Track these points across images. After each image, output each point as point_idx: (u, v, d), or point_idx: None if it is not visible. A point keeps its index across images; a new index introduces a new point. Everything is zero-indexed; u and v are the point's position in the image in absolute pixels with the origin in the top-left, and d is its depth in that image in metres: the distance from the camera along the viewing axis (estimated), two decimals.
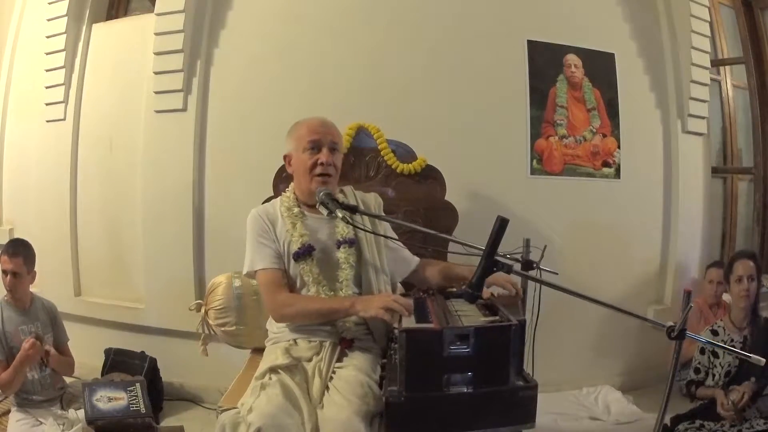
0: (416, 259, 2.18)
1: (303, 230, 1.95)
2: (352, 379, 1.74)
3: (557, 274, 1.81)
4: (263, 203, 2.20)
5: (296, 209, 2.00)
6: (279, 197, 2.09)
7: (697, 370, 2.71)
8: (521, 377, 1.60)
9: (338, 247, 1.98)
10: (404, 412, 1.53)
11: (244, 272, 2.01)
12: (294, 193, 2.05)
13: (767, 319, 2.73)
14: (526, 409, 1.57)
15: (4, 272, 2.57)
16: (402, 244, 2.16)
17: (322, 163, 1.94)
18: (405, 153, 2.66)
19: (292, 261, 1.94)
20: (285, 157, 2.05)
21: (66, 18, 3.48)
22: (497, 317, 1.68)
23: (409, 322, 1.65)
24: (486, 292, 1.85)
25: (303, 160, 1.96)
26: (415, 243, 2.25)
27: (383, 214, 2.18)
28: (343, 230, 1.99)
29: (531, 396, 1.57)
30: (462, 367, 1.53)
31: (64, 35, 3.50)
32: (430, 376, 1.53)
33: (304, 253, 1.93)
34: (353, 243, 1.99)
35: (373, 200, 2.20)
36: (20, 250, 2.62)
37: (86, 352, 3.05)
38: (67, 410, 2.55)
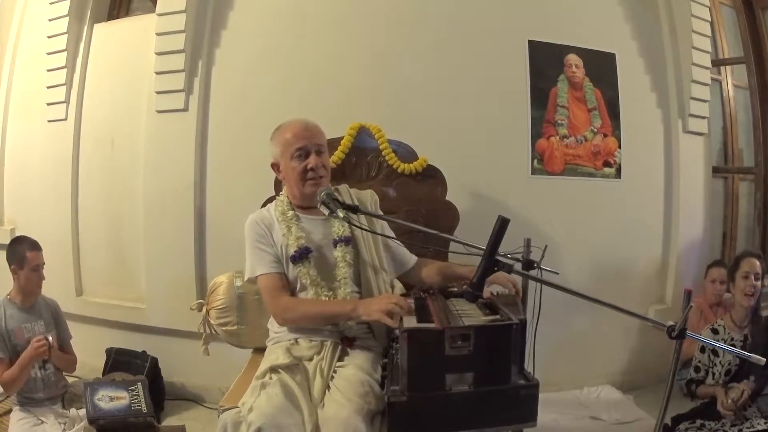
0: (414, 258, 2.18)
1: (298, 233, 1.96)
2: (352, 378, 1.75)
3: (558, 273, 1.82)
4: (262, 205, 2.21)
5: (290, 213, 2.00)
6: (273, 202, 2.09)
7: (697, 369, 2.72)
8: (523, 376, 1.61)
9: (335, 246, 1.99)
10: (406, 411, 1.54)
11: (246, 279, 2.02)
12: (287, 196, 2.05)
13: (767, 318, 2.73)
14: (527, 408, 1.58)
15: (37, 266, 2.61)
16: (400, 243, 2.16)
17: (312, 168, 1.95)
18: (406, 153, 2.67)
19: (290, 264, 1.95)
20: (273, 165, 2.05)
21: (67, 18, 3.49)
22: (498, 316, 1.68)
23: (411, 321, 1.65)
24: (486, 292, 1.85)
25: (293, 168, 1.96)
26: (416, 243, 2.25)
27: (380, 211, 2.20)
28: (339, 229, 2.00)
29: (532, 395, 1.58)
30: (463, 367, 1.54)
31: (66, 35, 3.50)
32: (431, 375, 1.54)
33: (301, 255, 1.93)
34: (349, 241, 2.00)
35: (369, 197, 2.20)
36: (36, 243, 2.68)
37: (88, 351, 3.06)
38: (68, 409, 2.55)
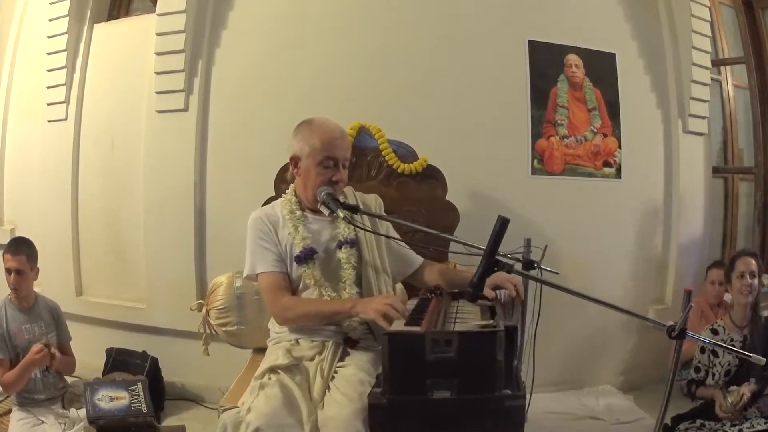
0: (419, 259, 2.17)
1: (305, 233, 1.94)
2: (352, 377, 1.75)
3: (558, 273, 1.82)
4: (264, 204, 2.20)
5: (298, 212, 1.98)
6: (279, 199, 2.07)
7: (697, 369, 2.72)
8: (511, 385, 1.55)
9: (339, 248, 1.98)
10: (386, 414, 1.52)
11: (245, 275, 2.00)
12: (295, 195, 2.03)
13: (767, 318, 2.73)
14: (512, 420, 1.53)
15: (8, 271, 2.56)
16: (405, 244, 2.15)
17: (336, 181, 1.93)
18: (406, 153, 2.67)
19: (294, 264, 1.94)
20: (292, 158, 1.99)
21: (67, 18, 3.49)
22: (492, 322, 1.66)
23: (399, 324, 1.64)
24: (491, 293, 1.85)
25: (317, 173, 1.92)
26: (417, 243, 2.25)
27: (384, 214, 2.18)
28: (344, 231, 1.99)
29: (518, 406, 1.53)
30: (446, 373, 1.50)
31: (66, 35, 3.50)
32: (413, 379, 1.51)
33: (306, 256, 1.92)
34: (354, 243, 1.99)
35: (373, 201, 2.19)
36: (23, 248, 2.62)
37: (88, 351, 3.06)
38: (68, 409, 2.55)
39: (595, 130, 3.48)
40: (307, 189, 1.97)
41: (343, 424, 1.59)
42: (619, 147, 3.52)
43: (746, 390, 2.46)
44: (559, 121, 3.39)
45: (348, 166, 2.00)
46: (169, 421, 3.04)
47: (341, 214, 1.80)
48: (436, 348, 1.49)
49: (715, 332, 2.72)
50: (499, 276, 1.76)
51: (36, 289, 2.72)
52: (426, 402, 1.51)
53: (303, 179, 1.98)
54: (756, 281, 2.68)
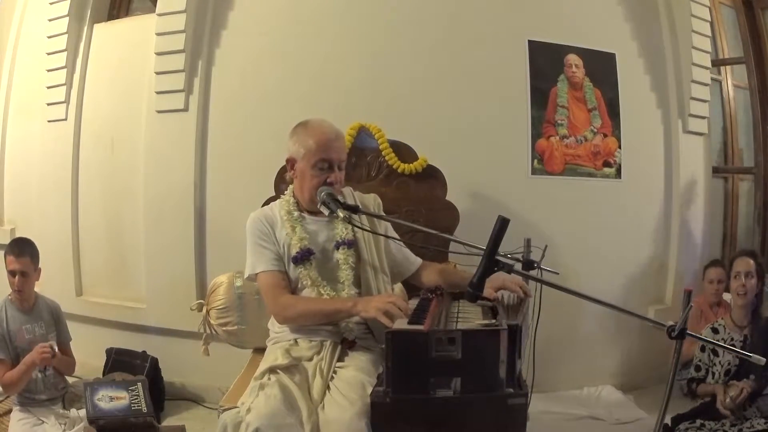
0: (418, 260, 2.17)
1: (302, 234, 1.95)
2: (353, 379, 1.74)
3: (558, 273, 1.82)
4: (264, 204, 2.21)
5: (296, 213, 1.99)
6: (278, 200, 2.08)
7: (697, 368, 2.73)
8: (513, 384, 1.56)
9: (337, 249, 1.98)
10: (388, 412, 1.53)
11: (246, 276, 2.01)
12: (293, 196, 2.03)
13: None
14: (515, 418, 1.54)
15: (12, 272, 2.56)
16: (404, 244, 2.15)
17: (331, 183, 1.92)
18: (406, 153, 2.67)
19: (291, 264, 1.94)
20: (288, 160, 2.00)
21: (67, 18, 3.49)
22: (494, 321, 1.66)
23: (402, 323, 1.64)
24: (493, 294, 1.85)
25: (312, 175, 1.93)
26: (416, 243, 2.25)
27: (383, 214, 2.18)
28: (342, 231, 1.99)
29: (521, 404, 1.54)
30: (449, 371, 1.51)
31: (66, 35, 3.51)
32: (415, 378, 1.52)
33: (303, 257, 1.92)
34: (352, 244, 1.99)
35: (372, 201, 2.19)
36: (26, 249, 2.61)
37: (88, 351, 3.06)
38: (68, 409, 2.55)
39: (595, 130, 3.48)
40: (303, 191, 1.98)
41: (345, 426, 1.59)
42: (619, 147, 3.52)
43: (746, 385, 2.47)
44: (559, 121, 3.39)
45: (344, 167, 2.00)
46: (169, 421, 3.04)
47: (341, 214, 1.80)
48: (440, 346, 1.50)
49: (715, 331, 2.73)
50: (501, 278, 1.75)
51: (36, 289, 2.72)
52: (429, 400, 1.51)
53: (299, 181, 1.99)
54: (753, 281, 2.68)
